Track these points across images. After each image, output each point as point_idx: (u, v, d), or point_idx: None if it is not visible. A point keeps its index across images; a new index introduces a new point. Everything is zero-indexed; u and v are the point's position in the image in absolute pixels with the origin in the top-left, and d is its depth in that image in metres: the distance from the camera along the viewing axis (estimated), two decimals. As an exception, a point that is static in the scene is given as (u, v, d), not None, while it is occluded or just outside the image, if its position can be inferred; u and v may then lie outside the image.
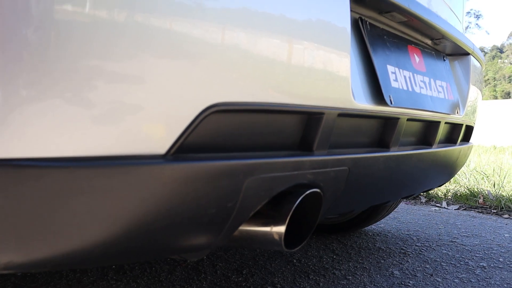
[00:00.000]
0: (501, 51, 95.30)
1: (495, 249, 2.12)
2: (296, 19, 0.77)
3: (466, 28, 40.49)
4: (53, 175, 0.54)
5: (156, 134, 0.61)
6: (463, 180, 3.81)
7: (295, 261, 1.84)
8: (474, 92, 1.64)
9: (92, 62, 0.55)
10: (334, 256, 1.93)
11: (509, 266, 1.85)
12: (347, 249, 2.06)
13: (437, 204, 3.33)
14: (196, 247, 0.77)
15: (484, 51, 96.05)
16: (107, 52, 0.56)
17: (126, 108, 0.58)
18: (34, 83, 0.53)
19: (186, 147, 0.66)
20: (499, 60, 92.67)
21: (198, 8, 0.63)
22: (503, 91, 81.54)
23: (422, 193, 3.58)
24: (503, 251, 2.09)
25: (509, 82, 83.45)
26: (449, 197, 3.49)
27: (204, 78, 0.63)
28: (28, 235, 0.58)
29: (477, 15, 40.37)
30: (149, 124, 0.60)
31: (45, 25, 0.53)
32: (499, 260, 1.93)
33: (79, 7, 0.54)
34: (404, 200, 3.45)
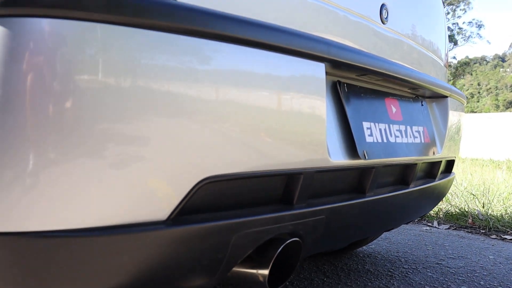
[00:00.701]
0: (503, 60, 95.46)
1: (477, 271, 2.25)
2: (276, 94, 0.90)
3: (468, 37, 40.63)
4: (79, 243, 0.69)
5: (158, 206, 0.75)
6: (455, 199, 3.93)
7: (287, 283, 1.97)
8: (453, 129, 1.77)
9: (96, 137, 0.69)
10: (325, 279, 2.06)
11: (488, 290, 1.97)
12: (337, 271, 2.19)
13: (429, 224, 3.45)
14: (192, 289, 0.91)
15: (486, 60, 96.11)
16: (112, 132, 0.70)
17: (134, 185, 0.72)
18: (50, 160, 0.67)
19: (181, 212, 0.79)
20: (501, 69, 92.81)
21: (188, 94, 0.77)
22: (505, 100, 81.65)
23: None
24: (485, 274, 2.21)
25: (511, 91, 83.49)
26: (441, 216, 3.61)
27: (196, 157, 0.77)
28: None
29: (478, 25, 40.61)
30: (152, 198, 0.74)
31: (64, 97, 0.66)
32: (479, 283, 2.06)
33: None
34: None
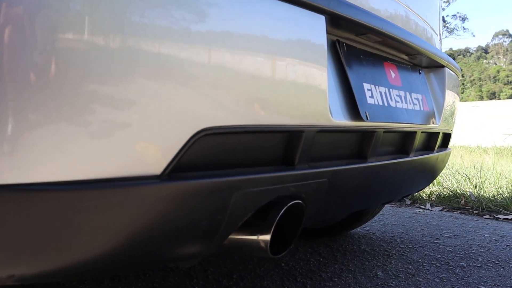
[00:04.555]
0: (486, 52, 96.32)
1: (474, 249, 2.21)
2: (275, 45, 0.84)
3: (452, 30, 40.81)
4: (61, 197, 0.62)
5: (152, 158, 0.69)
6: (446, 182, 3.91)
7: (283, 264, 1.92)
8: (450, 101, 1.73)
9: (90, 88, 0.62)
10: (321, 259, 2.02)
11: (487, 265, 1.94)
12: (333, 252, 2.14)
13: (421, 206, 3.43)
14: (189, 255, 0.85)
15: (469, 52, 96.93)
16: (104, 82, 0.64)
17: (126, 136, 0.65)
18: (38, 113, 0.60)
19: (178, 167, 0.73)
20: (484, 61, 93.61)
21: (186, 41, 0.70)
22: (488, 91, 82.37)
23: (406, 196, 3.68)
24: (482, 250, 2.18)
25: (494, 82, 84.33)
26: (433, 198, 3.59)
27: (194, 106, 0.71)
28: (40, 250, 0.65)
29: (462, 18, 40.86)
30: (146, 149, 0.68)
31: (46, 54, 0.60)
32: (477, 260, 2.03)
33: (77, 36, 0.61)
34: (388, 203, 3.55)
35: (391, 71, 1.32)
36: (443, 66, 1.66)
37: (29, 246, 0.65)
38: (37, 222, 0.63)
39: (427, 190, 3.78)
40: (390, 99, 1.23)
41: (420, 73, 1.54)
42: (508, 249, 2.22)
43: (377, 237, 2.44)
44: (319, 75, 0.94)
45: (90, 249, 0.69)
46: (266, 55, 0.82)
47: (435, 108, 1.59)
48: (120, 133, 0.65)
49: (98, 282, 1.68)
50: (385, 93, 1.22)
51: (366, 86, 1.14)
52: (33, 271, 0.68)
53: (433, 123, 1.52)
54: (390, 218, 2.96)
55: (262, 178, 0.84)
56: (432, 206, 3.40)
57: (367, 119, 1.07)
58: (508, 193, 3.38)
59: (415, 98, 1.40)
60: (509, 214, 3.02)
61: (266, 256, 0.91)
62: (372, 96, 1.14)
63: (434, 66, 1.64)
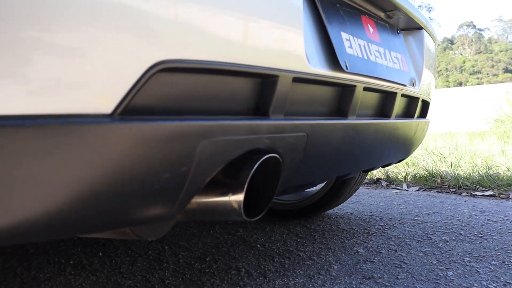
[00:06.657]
0: (452, 43, 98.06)
1: (456, 224, 2.15)
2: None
3: (418, 20, 41.43)
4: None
5: (100, 93, 0.57)
6: (422, 162, 3.87)
7: (259, 246, 1.82)
8: (428, 67, 1.65)
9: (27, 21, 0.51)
10: (298, 239, 1.92)
11: (470, 238, 1.88)
12: (310, 232, 2.05)
13: (398, 187, 3.37)
14: (150, 217, 0.73)
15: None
16: (41, 8, 0.52)
17: (67, 64, 0.54)
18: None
19: (134, 109, 0.62)
20: (450, 52, 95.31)
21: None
22: (455, 81, 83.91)
23: (383, 178, 3.62)
24: (463, 225, 2.12)
25: (461, 72, 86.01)
26: (409, 179, 3.54)
27: (150, 34, 0.60)
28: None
29: (428, 9, 41.43)
30: (92, 82, 0.56)
31: None
32: (460, 233, 1.96)
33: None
34: (366, 186, 3.49)
35: (369, 25, 1.22)
36: (421, 28, 1.57)
37: None
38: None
39: (402, 171, 3.73)
40: (370, 53, 1.14)
41: (398, 33, 1.45)
42: (489, 222, 2.16)
43: (355, 217, 2.36)
44: (294, 18, 0.84)
45: (23, 207, 0.56)
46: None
47: (415, 71, 1.50)
48: (60, 62, 0.53)
49: (60, 269, 1.54)
50: (364, 46, 1.12)
51: (344, 35, 1.04)
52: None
53: (413, 85, 1.43)
54: (367, 199, 2.89)
55: (233, 125, 0.73)
56: (408, 186, 3.34)
57: (347, 68, 0.97)
58: (484, 170, 3.35)
59: (394, 57, 1.31)
60: (486, 191, 2.98)
61: (240, 219, 0.80)
62: (351, 47, 1.04)
63: (412, 27, 1.56)
